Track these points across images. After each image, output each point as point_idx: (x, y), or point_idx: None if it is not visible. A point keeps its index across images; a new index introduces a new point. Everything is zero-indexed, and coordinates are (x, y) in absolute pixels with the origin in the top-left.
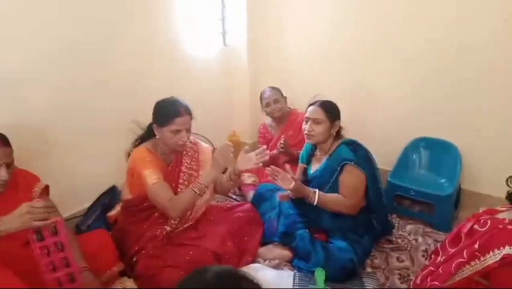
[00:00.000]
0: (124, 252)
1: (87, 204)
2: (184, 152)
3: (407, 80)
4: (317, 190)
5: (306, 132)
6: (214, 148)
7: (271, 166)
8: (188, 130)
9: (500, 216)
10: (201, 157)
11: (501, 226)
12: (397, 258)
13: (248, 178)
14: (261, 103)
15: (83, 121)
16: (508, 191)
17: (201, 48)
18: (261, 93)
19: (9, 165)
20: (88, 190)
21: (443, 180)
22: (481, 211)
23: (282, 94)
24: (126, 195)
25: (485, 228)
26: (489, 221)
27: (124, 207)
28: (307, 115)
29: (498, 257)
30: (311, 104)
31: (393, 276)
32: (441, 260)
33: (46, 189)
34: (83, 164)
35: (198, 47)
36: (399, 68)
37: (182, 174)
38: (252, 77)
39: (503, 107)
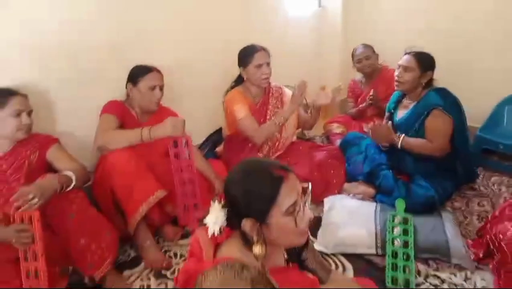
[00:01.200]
0: None
1: (198, 141)
2: (270, 94)
3: (505, 33)
4: (403, 134)
5: (396, 78)
6: (308, 104)
7: (369, 124)
8: (268, 65)
9: None
10: (284, 98)
11: None
12: (478, 203)
13: (336, 128)
14: (353, 59)
15: (196, 78)
16: None
17: (297, 8)
18: (353, 50)
19: (162, 88)
20: (200, 130)
21: None
22: None
23: (373, 51)
24: (226, 132)
25: None
26: None
27: (226, 142)
28: (399, 62)
29: None
30: (406, 53)
31: (471, 216)
32: None
33: None
34: (198, 110)
35: (294, 7)
36: (499, 18)
37: (268, 112)
38: (344, 36)
39: None
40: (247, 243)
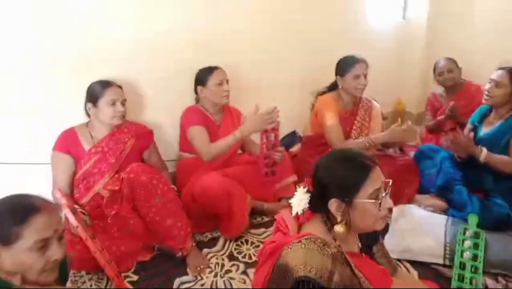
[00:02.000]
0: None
1: None
2: (360, 106)
3: None
4: (484, 148)
5: (485, 92)
6: (383, 114)
7: (448, 137)
8: (366, 76)
9: None
10: (373, 112)
11: None
12: None
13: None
14: (434, 72)
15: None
16: None
17: (380, 20)
18: (435, 63)
19: (228, 81)
20: None
21: None
22: None
23: (457, 65)
24: (308, 132)
25: None
26: None
27: (305, 142)
28: (492, 76)
29: None
30: (500, 68)
31: None
32: None
33: None
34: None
35: (377, 19)
36: None
37: (356, 122)
38: (427, 50)
39: None
40: (328, 225)
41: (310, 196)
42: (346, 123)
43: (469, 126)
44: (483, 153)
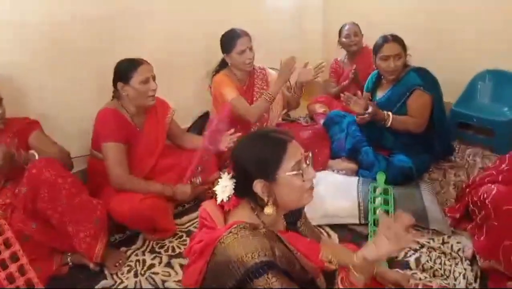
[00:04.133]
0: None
1: (186, 125)
2: (255, 76)
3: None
4: (390, 112)
5: (391, 69)
6: (290, 86)
7: (345, 92)
8: (251, 49)
9: None
10: (269, 78)
11: None
12: (454, 174)
13: (319, 108)
14: (340, 35)
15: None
16: None
17: None
18: (341, 26)
19: (154, 78)
20: (187, 114)
21: (505, 109)
22: None
23: (360, 30)
24: (215, 115)
25: None
26: None
27: None
28: (387, 53)
29: None
30: (384, 42)
31: (448, 186)
32: (505, 168)
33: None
34: (184, 95)
35: None
36: None
37: (255, 93)
38: (326, 17)
39: None
40: (257, 209)
41: (235, 182)
42: (245, 96)
43: (366, 94)
44: (390, 117)
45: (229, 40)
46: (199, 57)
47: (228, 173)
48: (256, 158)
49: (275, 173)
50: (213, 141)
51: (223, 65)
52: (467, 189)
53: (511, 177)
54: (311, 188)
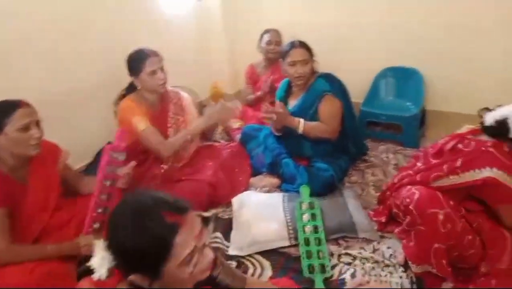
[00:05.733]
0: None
1: (86, 162)
2: (169, 100)
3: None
4: (301, 119)
5: (298, 75)
6: (202, 102)
7: (265, 104)
8: (163, 70)
9: (483, 137)
10: (184, 103)
11: (483, 148)
12: (371, 173)
13: (234, 123)
14: (261, 41)
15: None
16: (481, 123)
17: (175, 5)
18: (263, 33)
19: (38, 123)
20: (86, 148)
21: (409, 104)
22: (465, 130)
23: (281, 40)
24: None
25: (468, 148)
26: (473, 142)
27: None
28: (294, 58)
29: (477, 176)
30: (291, 47)
31: (368, 187)
32: (421, 167)
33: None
34: (86, 125)
35: (172, 5)
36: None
37: (170, 119)
38: (229, 27)
39: (463, 31)
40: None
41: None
42: (159, 123)
43: (278, 103)
44: (301, 124)
45: (137, 61)
46: (102, 84)
47: (105, 240)
48: (135, 250)
49: (157, 272)
50: (109, 176)
51: (130, 89)
52: (388, 192)
53: (428, 176)
54: (206, 269)
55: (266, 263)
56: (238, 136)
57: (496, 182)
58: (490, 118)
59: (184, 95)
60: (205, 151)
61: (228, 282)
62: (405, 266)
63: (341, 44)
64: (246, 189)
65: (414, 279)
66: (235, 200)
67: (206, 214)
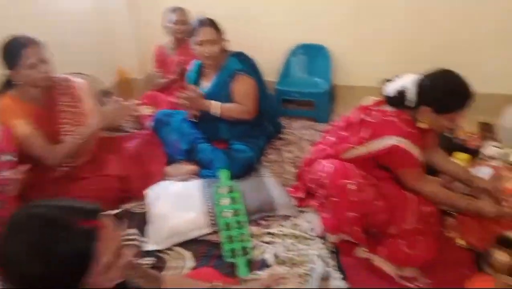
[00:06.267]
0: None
1: None
2: (56, 91)
3: None
4: (217, 102)
5: (206, 55)
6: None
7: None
8: (44, 61)
9: (386, 108)
10: (77, 91)
11: (386, 118)
12: (288, 151)
13: (145, 110)
14: (164, 19)
15: None
16: (383, 94)
17: None
18: (166, 9)
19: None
20: None
21: (319, 80)
22: (370, 102)
23: (188, 19)
24: None
25: (373, 119)
26: (377, 113)
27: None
28: (202, 38)
29: (381, 145)
30: (199, 26)
31: (286, 165)
32: (332, 140)
33: None
34: None
35: None
36: None
37: (63, 114)
38: (132, 8)
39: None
40: None
41: None
42: (48, 121)
43: (190, 86)
44: (217, 107)
45: (11, 53)
46: None
47: None
48: (43, 279)
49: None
50: None
51: (8, 84)
52: (305, 168)
53: (339, 149)
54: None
55: (187, 254)
56: (150, 124)
57: (399, 149)
58: (391, 89)
59: (76, 81)
60: (114, 143)
61: (140, 286)
62: (324, 238)
63: (252, 22)
64: (162, 179)
65: (334, 250)
66: (149, 192)
67: (116, 211)
